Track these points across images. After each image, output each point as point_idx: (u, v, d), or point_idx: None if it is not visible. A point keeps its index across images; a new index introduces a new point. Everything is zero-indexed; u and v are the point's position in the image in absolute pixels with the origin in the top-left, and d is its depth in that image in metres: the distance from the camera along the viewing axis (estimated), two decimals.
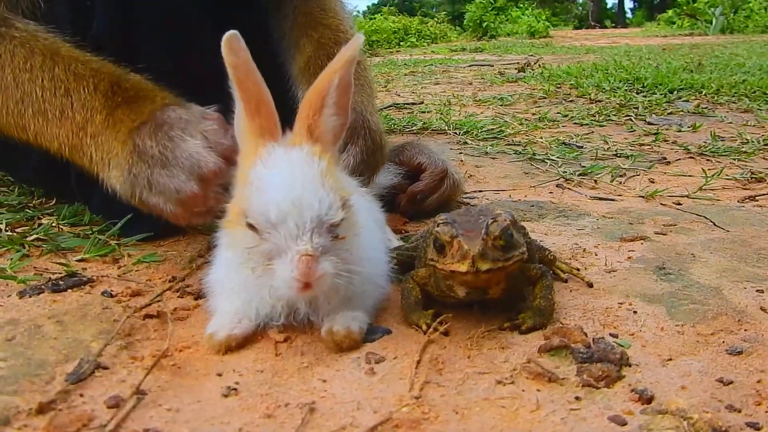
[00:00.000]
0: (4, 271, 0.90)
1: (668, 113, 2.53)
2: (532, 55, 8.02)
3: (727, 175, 1.54)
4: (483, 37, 16.23)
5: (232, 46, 0.70)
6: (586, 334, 0.71)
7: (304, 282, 0.65)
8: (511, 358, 0.68)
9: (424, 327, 0.74)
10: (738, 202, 1.33)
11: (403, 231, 1.13)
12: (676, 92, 2.99)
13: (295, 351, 0.70)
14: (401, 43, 15.98)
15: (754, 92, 2.97)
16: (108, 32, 1.00)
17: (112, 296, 0.84)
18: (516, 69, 4.20)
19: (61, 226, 1.10)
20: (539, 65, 4.22)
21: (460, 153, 1.84)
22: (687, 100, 2.85)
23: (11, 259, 0.95)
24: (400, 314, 0.78)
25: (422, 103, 2.89)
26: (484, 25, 16.40)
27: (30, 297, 0.83)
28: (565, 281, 0.88)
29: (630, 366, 0.66)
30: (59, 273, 0.91)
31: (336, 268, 0.67)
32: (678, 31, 18.46)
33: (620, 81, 3.27)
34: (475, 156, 1.81)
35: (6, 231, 1.05)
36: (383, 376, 0.65)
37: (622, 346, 0.70)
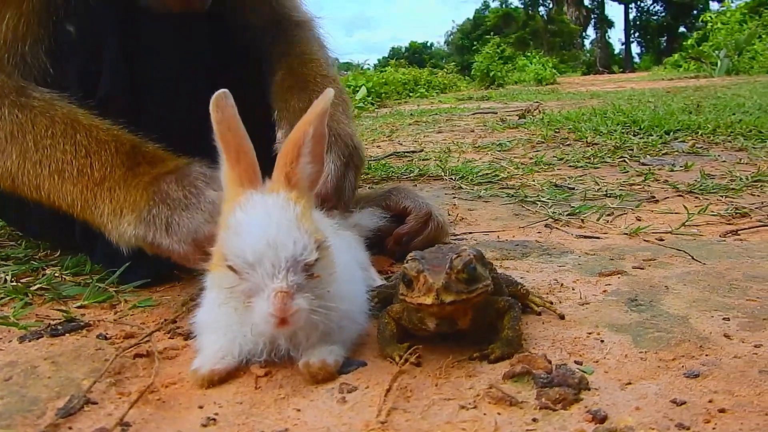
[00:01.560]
0: (6, 319, 0.96)
1: (663, 153, 2.58)
2: (535, 102, 8.18)
3: (712, 212, 1.57)
4: (491, 86, 16.50)
5: (219, 104, 0.77)
6: (549, 362, 0.74)
7: (281, 317, 0.69)
8: (476, 385, 0.71)
9: (398, 358, 0.78)
10: (720, 236, 1.36)
11: (389, 272, 1.18)
12: (672, 133, 3.05)
13: (274, 384, 0.74)
14: (411, 94, 16.31)
15: (750, 131, 3.01)
16: (114, 96, 1.08)
17: (106, 338, 0.89)
18: (517, 115, 4.28)
19: (63, 276, 1.16)
20: (540, 111, 4.30)
21: (454, 198, 1.89)
22: (683, 141, 2.90)
23: (14, 307, 1.00)
24: (377, 348, 0.82)
25: (422, 151, 2.97)
26: (492, 74, 16.68)
27: (29, 341, 0.88)
28: (539, 314, 0.92)
29: (589, 390, 0.69)
30: (59, 319, 0.96)
31: (311, 305, 0.72)
32: (684, 74, 18.67)
33: (617, 124, 3.33)
34: (468, 200, 1.87)
35: (11, 282, 1.11)
36: (354, 404, 0.69)
37: (585, 372, 0.73)
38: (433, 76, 21.98)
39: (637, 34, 63.82)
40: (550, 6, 59.69)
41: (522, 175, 2.24)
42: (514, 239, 1.43)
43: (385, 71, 20.43)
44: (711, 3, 55.58)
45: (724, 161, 2.38)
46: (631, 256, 1.23)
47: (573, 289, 1.04)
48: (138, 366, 0.80)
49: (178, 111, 1.15)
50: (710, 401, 0.66)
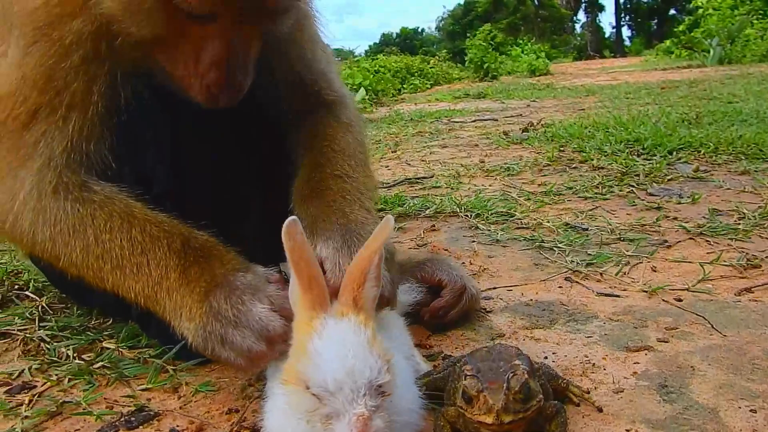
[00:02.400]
0: (80, 405, 1.03)
1: (668, 179, 2.65)
2: (534, 101, 8.23)
3: (724, 261, 1.65)
4: (485, 78, 16.54)
5: (290, 232, 0.84)
6: None
7: None
8: None
9: None
10: (735, 295, 1.44)
11: (427, 345, 1.25)
12: (675, 153, 3.12)
13: None
14: (404, 85, 16.31)
15: (750, 148, 3.08)
16: (167, 192, 1.14)
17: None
18: (520, 129, 4.34)
19: (121, 350, 1.23)
20: (542, 124, 4.36)
21: (473, 241, 1.96)
22: (686, 162, 2.98)
23: (84, 390, 1.07)
24: None
25: (432, 176, 3.03)
26: (485, 66, 16.69)
27: None
28: (578, 405, 0.99)
29: None
30: (128, 406, 1.03)
31: (385, 421, 0.79)
32: (676, 62, 18.74)
33: (621, 142, 3.40)
34: (486, 244, 1.94)
35: (74, 359, 1.18)
36: None
37: None
38: (425, 64, 21.99)
39: (627, 18, 63.90)
40: None
41: (535, 209, 2.31)
42: (538, 297, 1.50)
43: (378, 59, 20.45)
44: None
45: (728, 189, 2.45)
46: (654, 323, 1.31)
47: (604, 369, 1.12)
48: None
49: (222, 205, 1.21)
50: None
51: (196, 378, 1.13)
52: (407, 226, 2.20)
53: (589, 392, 1.02)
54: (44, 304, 1.46)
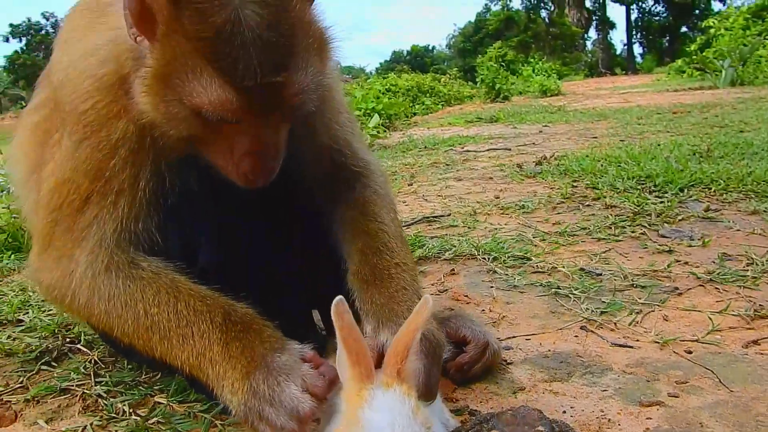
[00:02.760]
0: None
1: (679, 219, 2.73)
2: (546, 126, 8.33)
3: (733, 311, 1.73)
4: (496, 99, 16.68)
5: (339, 312, 0.95)
6: None
7: None
8: None
9: None
10: (742, 347, 1.52)
11: (453, 399, 1.35)
12: (686, 190, 3.20)
13: None
14: (415, 104, 16.47)
15: (761, 186, 3.16)
16: (211, 266, 1.25)
17: None
18: (533, 161, 4.44)
19: (172, 405, 1.33)
20: (555, 157, 4.47)
21: (491, 287, 2.06)
22: (697, 199, 3.06)
23: None
24: None
25: (449, 215, 3.13)
26: (497, 87, 16.84)
27: None
28: None
29: None
30: None
31: None
32: (688, 81, 18.82)
33: (633, 178, 3.49)
34: (504, 290, 2.03)
35: (131, 415, 1.29)
36: None
37: None
38: (436, 82, 22.20)
39: (639, 35, 64.06)
40: (552, 8, 59.95)
41: (550, 251, 2.40)
42: (556, 348, 1.59)
43: (388, 77, 20.67)
44: (713, 3, 55.85)
45: (738, 230, 2.53)
46: (665, 376, 1.40)
47: (619, 425, 1.21)
48: None
49: (259, 270, 1.33)
50: None
51: (241, 430, 1.23)
52: (428, 270, 2.31)
53: None
54: (96, 358, 1.57)
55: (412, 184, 4.19)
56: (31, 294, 2.13)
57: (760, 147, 4.37)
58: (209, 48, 1.01)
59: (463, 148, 6.16)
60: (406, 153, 6.08)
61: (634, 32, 62.53)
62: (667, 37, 60.64)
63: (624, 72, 51.58)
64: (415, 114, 13.76)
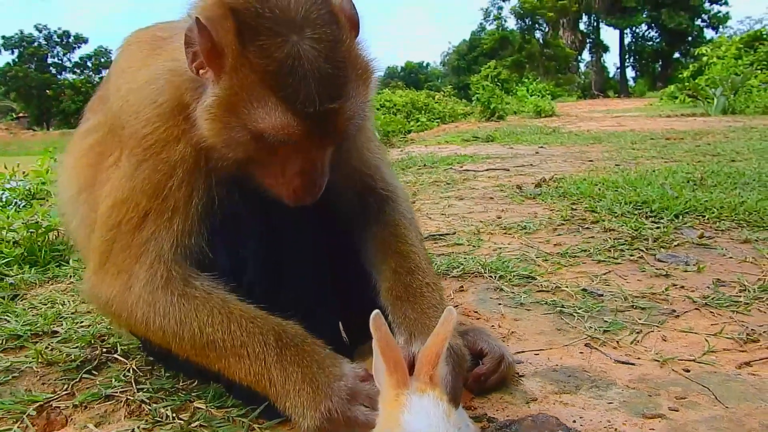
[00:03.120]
0: None
1: (675, 245, 2.86)
2: (542, 147, 8.50)
3: (727, 334, 1.85)
4: (491, 118, 16.91)
5: (377, 324, 1.06)
6: None
7: None
8: None
9: None
10: (736, 368, 1.64)
11: (471, 407, 1.45)
12: (681, 217, 3.34)
13: None
14: (409, 120, 16.66)
15: (752, 216, 3.30)
16: (255, 278, 1.36)
17: None
18: (532, 183, 4.58)
19: (211, 410, 1.43)
20: (554, 179, 4.61)
21: (499, 304, 2.17)
22: (692, 226, 3.20)
23: None
24: None
25: (454, 233, 3.25)
26: (492, 106, 17.08)
27: None
28: None
29: None
30: None
31: None
32: (680, 108, 19.13)
33: (630, 203, 3.63)
34: (512, 307, 2.15)
35: (174, 419, 1.39)
36: None
37: None
38: (430, 99, 22.43)
39: (632, 59, 64.88)
40: (546, 30, 60.70)
41: (553, 271, 2.52)
42: (563, 363, 1.71)
43: (383, 93, 20.88)
44: (706, 31, 56.72)
45: (731, 258, 2.66)
46: (665, 392, 1.51)
47: None
48: None
49: (303, 293, 1.44)
50: None
51: None
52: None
53: None
54: (134, 367, 1.67)
55: (414, 202, 4.31)
56: (60, 306, 2.22)
57: (751, 177, 4.53)
58: (273, 79, 1.13)
59: (462, 167, 6.31)
60: (406, 170, 6.21)
61: (627, 56, 63.33)
62: (660, 63, 61.46)
63: (617, 95, 52.21)
64: (410, 131, 13.93)
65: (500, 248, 2.93)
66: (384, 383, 1.07)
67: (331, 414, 1.17)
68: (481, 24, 64.44)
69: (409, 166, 6.58)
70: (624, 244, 2.89)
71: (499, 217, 3.63)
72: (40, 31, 60.14)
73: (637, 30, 61.69)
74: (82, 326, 2.00)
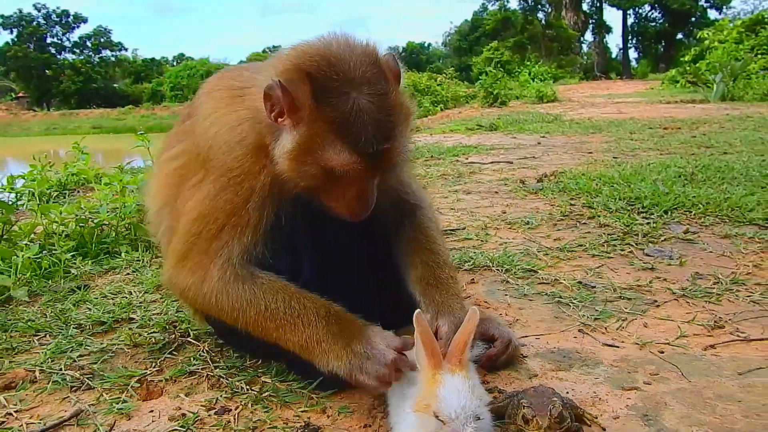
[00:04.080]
0: (266, 423, 1.59)
1: (662, 240, 3.21)
2: (544, 136, 8.82)
3: (698, 321, 2.20)
4: (494, 104, 17.19)
5: (418, 320, 1.41)
6: None
7: None
8: None
9: None
10: (702, 350, 1.99)
11: (484, 381, 1.80)
12: (670, 213, 3.69)
13: None
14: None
15: (734, 211, 3.64)
16: (311, 278, 1.71)
17: None
18: (535, 178, 4.92)
19: (276, 383, 1.79)
20: (554, 175, 4.94)
21: (506, 295, 2.53)
22: (679, 221, 3.54)
23: (265, 412, 1.64)
24: None
25: (464, 228, 3.60)
26: (495, 92, 17.34)
27: None
28: (590, 426, 1.55)
29: None
30: (298, 422, 1.59)
31: None
32: (681, 92, 19.37)
33: (624, 199, 3.97)
34: (517, 297, 2.50)
35: (248, 390, 1.74)
36: None
37: None
38: (432, 81, 22.62)
39: (634, 40, 64.73)
40: (549, 11, 60.47)
41: (552, 265, 2.87)
42: (559, 345, 2.06)
43: None
44: (709, 12, 56.57)
45: (711, 252, 3.01)
46: (642, 369, 1.86)
47: (607, 402, 1.68)
48: None
49: (349, 277, 1.78)
50: None
51: (335, 403, 1.69)
52: None
53: (596, 417, 1.58)
54: (207, 349, 2.03)
55: None
56: (128, 296, 2.57)
57: (739, 171, 4.86)
58: (340, 128, 1.47)
59: (467, 159, 6.64)
60: (415, 162, 6.54)
61: (629, 37, 63.19)
62: (663, 44, 61.33)
63: (619, 77, 52.24)
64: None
65: (506, 243, 3.28)
66: (423, 366, 1.42)
67: (357, 350, 1.55)
68: (483, 4, 64.14)
69: (417, 157, 6.90)
70: (616, 240, 3.23)
71: (504, 212, 3.98)
72: (39, 11, 59.89)
73: (640, 10, 61.46)
74: (154, 314, 2.35)
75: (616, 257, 2.99)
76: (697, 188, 4.26)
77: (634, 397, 1.71)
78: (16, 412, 1.69)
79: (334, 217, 1.71)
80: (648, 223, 3.49)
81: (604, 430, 1.54)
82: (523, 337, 2.13)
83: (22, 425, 1.63)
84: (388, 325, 1.98)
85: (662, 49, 61.61)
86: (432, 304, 1.74)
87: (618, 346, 2.04)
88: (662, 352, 1.99)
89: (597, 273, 2.76)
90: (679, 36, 58.92)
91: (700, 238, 3.24)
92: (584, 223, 3.61)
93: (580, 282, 2.64)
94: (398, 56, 1.67)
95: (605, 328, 2.19)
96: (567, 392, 1.73)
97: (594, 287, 2.58)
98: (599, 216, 3.68)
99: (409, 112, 1.63)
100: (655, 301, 2.43)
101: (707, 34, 26.56)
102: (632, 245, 3.14)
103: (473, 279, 2.74)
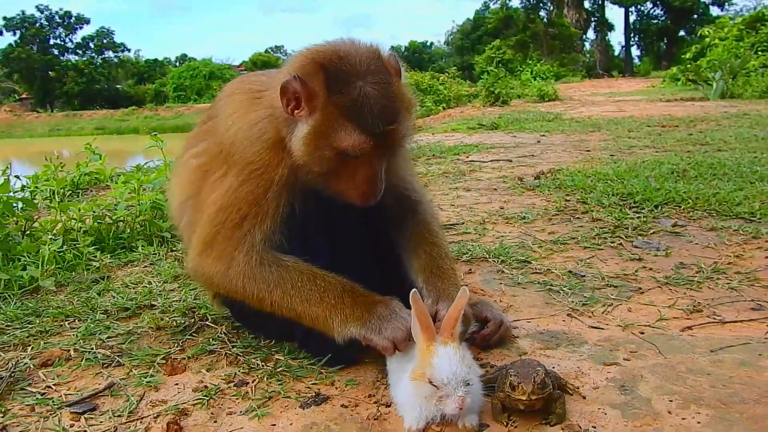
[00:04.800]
0: (280, 393, 1.77)
1: (651, 233, 3.38)
2: (543, 135, 8.98)
3: (678, 306, 2.38)
4: (495, 103, 17.34)
5: (415, 299, 1.59)
6: (580, 426, 1.55)
7: (461, 408, 1.50)
8: None
9: (504, 422, 1.59)
10: (680, 331, 2.17)
11: (478, 358, 1.98)
12: (660, 207, 3.86)
13: None
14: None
15: (722, 206, 3.80)
16: (326, 264, 1.88)
17: (346, 407, 1.70)
18: (532, 175, 5.09)
19: (289, 360, 1.97)
20: (551, 172, 5.11)
21: (501, 284, 2.70)
22: (668, 215, 3.71)
23: (279, 384, 1.82)
24: (490, 415, 1.62)
25: (463, 223, 3.78)
26: (497, 91, 17.50)
27: (308, 408, 1.69)
28: (571, 394, 1.73)
29: None
30: (310, 393, 1.77)
31: (470, 400, 1.53)
32: (682, 90, 19.50)
33: (617, 195, 4.14)
34: (510, 286, 2.68)
35: (264, 366, 1.92)
36: None
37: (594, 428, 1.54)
38: (434, 80, 22.77)
39: (636, 38, 64.75)
40: (551, 9, 60.51)
41: (545, 256, 3.05)
42: (548, 328, 2.23)
43: None
44: (711, 9, 56.57)
45: (696, 244, 3.18)
46: (623, 347, 2.04)
47: (589, 375, 1.85)
48: (374, 422, 1.61)
49: (356, 267, 1.96)
50: None
51: (342, 377, 1.87)
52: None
53: (578, 388, 1.76)
54: (224, 331, 2.21)
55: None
56: (148, 285, 2.76)
57: (730, 168, 5.02)
58: (350, 112, 1.68)
59: (467, 157, 6.81)
60: (417, 161, 6.71)
61: (632, 35, 63.21)
62: (665, 41, 61.33)
63: (621, 74, 52.28)
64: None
65: (502, 236, 3.45)
66: (419, 338, 1.60)
67: (380, 313, 1.74)
68: (485, 3, 64.25)
69: (418, 156, 7.08)
70: (607, 233, 3.40)
71: (501, 208, 4.15)
72: (42, 12, 60.11)
73: (642, 8, 61.44)
74: (174, 301, 2.54)
75: (606, 249, 3.16)
76: (688, 184, 4.43)
77: (614, 371, 1.88)
78: (54, 385, 1.88)
79: (342, 209, 1.89)
80: (638, 218, 3.66)
81: (585, 398, 1.71)
82: (515, 320, 2.31)
83: (61, 395, 1.81)
84: None
85: (664, 47, 61.58)
86: (433, 291, 1.91)
87: (602, 328, 2.22)
88: (642, 333, 2.16)
89: (587, 263, 2.93)
90: (682, 33, 58.87)
91: (687, 231, 3.41)
92: (578, 218, 3.78)
93: (570, 271, 2.81)
94: (399, 55, 1.88)
95: (592, 313, 2.36)
96: (553, 367, 1.90)
97: (583, 276, 2.76)
98: (592, 211, 3.86)
99: (410, 103, 1.82)
100: (640, 288, 2.60)
101: (708, 31, 26.68)
102: (622, 238, 3.31)
103: (470, 269, 2.92)
